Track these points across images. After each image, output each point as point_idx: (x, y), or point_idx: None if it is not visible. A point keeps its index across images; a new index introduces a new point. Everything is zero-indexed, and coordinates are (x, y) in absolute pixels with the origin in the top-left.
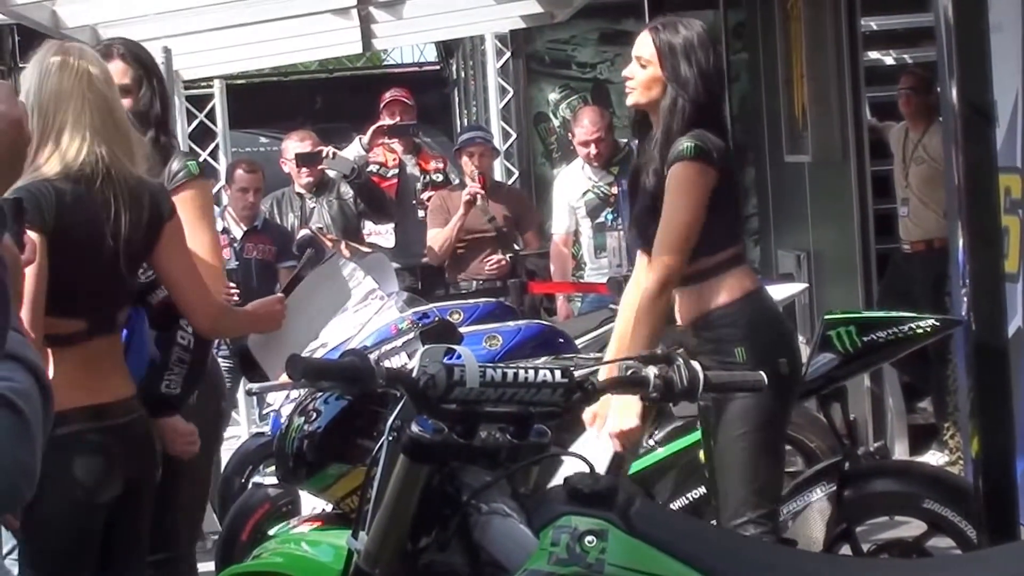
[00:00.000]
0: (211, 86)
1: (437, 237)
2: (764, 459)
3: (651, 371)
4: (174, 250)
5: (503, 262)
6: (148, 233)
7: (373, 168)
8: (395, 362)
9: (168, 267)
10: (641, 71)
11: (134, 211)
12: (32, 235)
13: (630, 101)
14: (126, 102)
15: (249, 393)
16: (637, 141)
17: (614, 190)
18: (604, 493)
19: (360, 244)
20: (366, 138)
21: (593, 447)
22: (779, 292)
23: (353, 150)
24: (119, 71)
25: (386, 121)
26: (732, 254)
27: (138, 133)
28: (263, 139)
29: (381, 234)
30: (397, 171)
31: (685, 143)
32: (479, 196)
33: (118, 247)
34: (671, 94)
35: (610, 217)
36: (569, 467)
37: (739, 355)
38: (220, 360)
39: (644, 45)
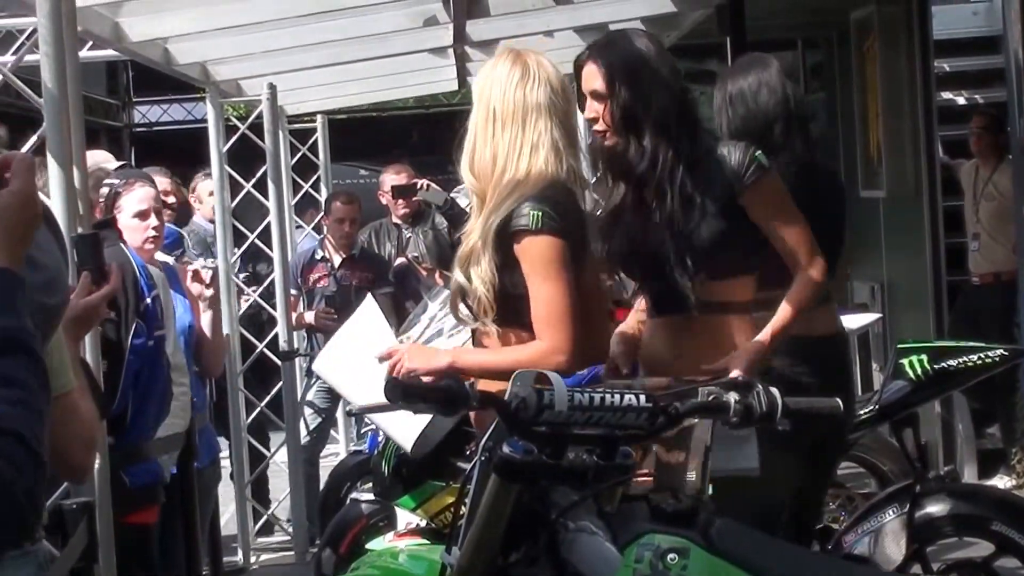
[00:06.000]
0: (314, 121)
1: None
2: None
3: (732, 396)
4: (594, 269)
5: None
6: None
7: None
8: None
9: (585, 286)
10: None
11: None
12: (557, 241)
13: None
14: (596, 108)
15: (348, 413)
16: None
17: None
18: (686, 512)
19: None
20: None
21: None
22: (854, 321)
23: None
24: (591, 74)
25: None
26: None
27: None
28: (363, 171)
29: None
30: None
31: (752, 152)
32: None
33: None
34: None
35: None
36: None
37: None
38: (320, 381)
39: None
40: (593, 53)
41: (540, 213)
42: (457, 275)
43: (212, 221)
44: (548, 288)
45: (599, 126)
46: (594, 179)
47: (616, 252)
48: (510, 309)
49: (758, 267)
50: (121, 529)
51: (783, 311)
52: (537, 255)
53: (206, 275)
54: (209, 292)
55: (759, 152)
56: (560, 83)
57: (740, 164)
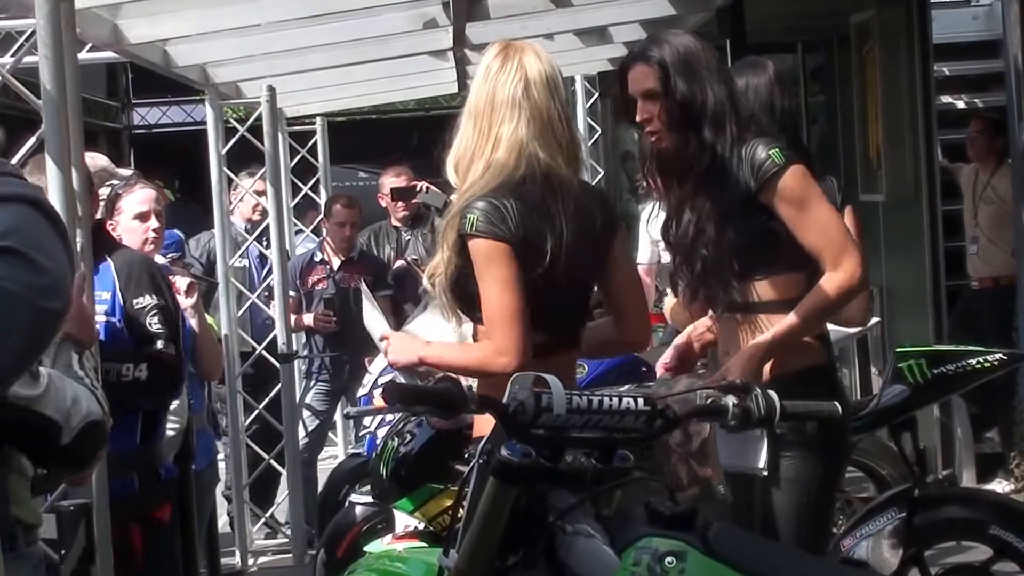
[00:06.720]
0: (313, 123)
1: None
2: None
3: (730, 399)
4: (624, 260)
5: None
6: (596, 244)
7: None
8: None
9: (615, 279)
10: None
11: (580, 221)
12: (492, 243)
13: None
14: (650, 110)
15: (347, 416)
16: None
17: None
18: (684, 515)
19: None
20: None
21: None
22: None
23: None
24: (641, 75)
25: None
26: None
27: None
28: (362, 173)
29: None
30: None
31: (769, 150)
32: None
33: (563, 259)
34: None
35: None
36: None
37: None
38: (319, 383)
39: None
40: (640, 54)
41: (475, 216)
42: (425, 281)
43: (249, 220)
44: (487, 290)
45: (653, 126)
46: (643, 187)
47: (676, 252)
48: (475, 307)
49: (804, 267)
50: (146, 524)
51: (790, 316)
52: (476, 257)
53: (182, 285)
54: (189, 301)
55: (775, 149)
56: (541, 76)
57: (756, 162)
